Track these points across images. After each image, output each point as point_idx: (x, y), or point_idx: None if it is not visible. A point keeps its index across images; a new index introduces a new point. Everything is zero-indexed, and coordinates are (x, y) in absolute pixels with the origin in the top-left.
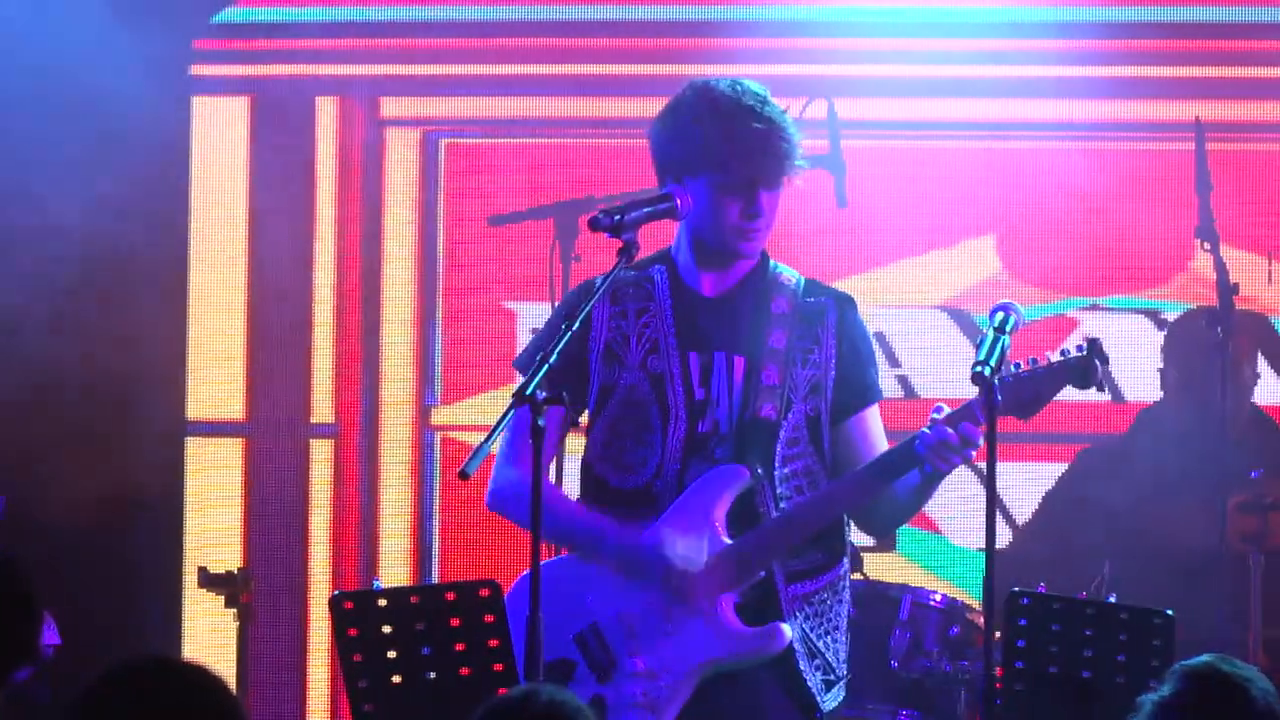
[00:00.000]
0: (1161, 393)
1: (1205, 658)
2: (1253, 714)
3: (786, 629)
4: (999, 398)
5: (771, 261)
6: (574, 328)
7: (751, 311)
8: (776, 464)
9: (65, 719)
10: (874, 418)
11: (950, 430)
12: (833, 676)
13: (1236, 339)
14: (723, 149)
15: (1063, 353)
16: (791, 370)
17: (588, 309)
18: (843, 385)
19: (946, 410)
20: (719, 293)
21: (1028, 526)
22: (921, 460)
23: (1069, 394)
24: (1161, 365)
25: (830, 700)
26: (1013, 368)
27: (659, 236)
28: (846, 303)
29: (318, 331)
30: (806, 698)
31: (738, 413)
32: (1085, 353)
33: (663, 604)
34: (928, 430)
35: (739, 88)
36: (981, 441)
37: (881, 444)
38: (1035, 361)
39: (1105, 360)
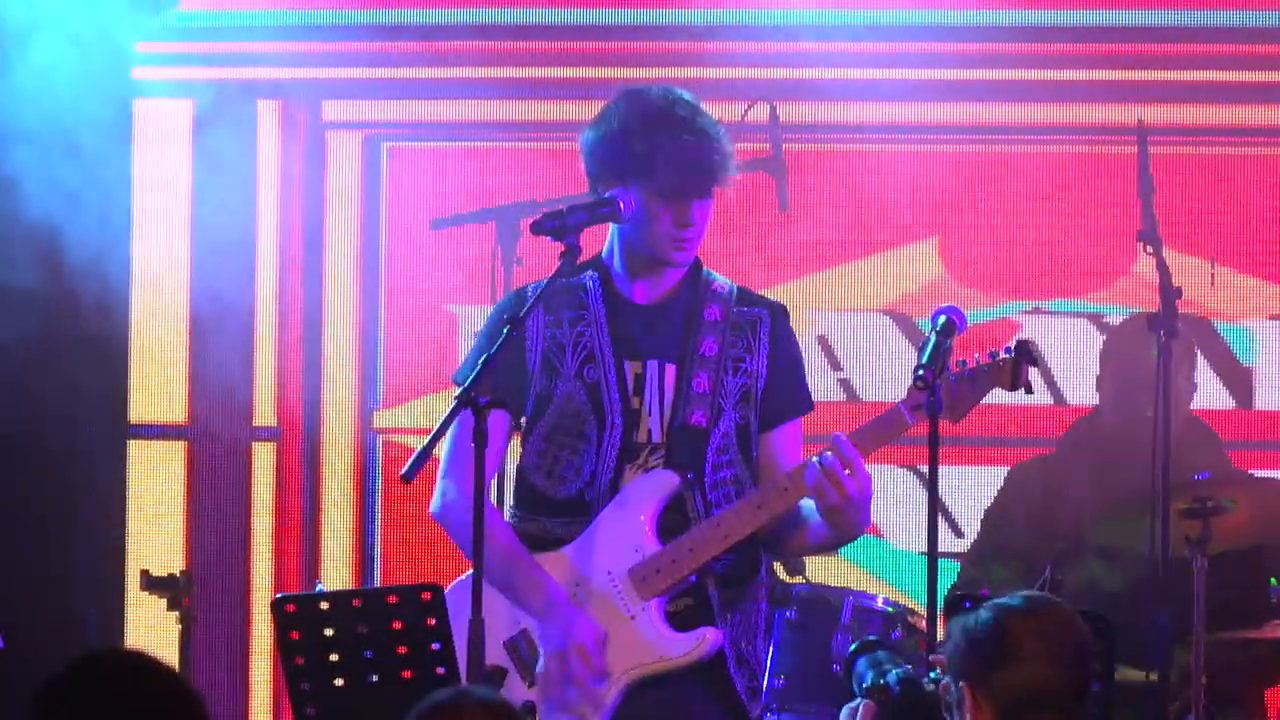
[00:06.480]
0: (1098, 398)
1: (1025, 593)
2: (1059, 657)
3: (716, 634)
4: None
5: (704, 269)
6: (514, 332)
7: (683, 318)
8: (707, 471)
9: (32, 710)
10: (798, 429)
11: (831, 455)
12: (756, 684)
13: (1175, 346)
14: (654, 160)
15: (991, 355)
16: (723, 377)
17: (527, 312)
18: (775, 394)
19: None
20: (650, 300)
21: (982, 546)
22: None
23: (1012, 397)
24: (1098, 372)
25: (755, 707)
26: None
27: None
28: (780, 312)
29: (260, 334)
30: (735, 704)
31: (668, 419)
32: (1013, 354)
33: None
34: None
35: (671, 97)
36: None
37: (800, 455)
38: (964, 364)
39: (1034, 361)
